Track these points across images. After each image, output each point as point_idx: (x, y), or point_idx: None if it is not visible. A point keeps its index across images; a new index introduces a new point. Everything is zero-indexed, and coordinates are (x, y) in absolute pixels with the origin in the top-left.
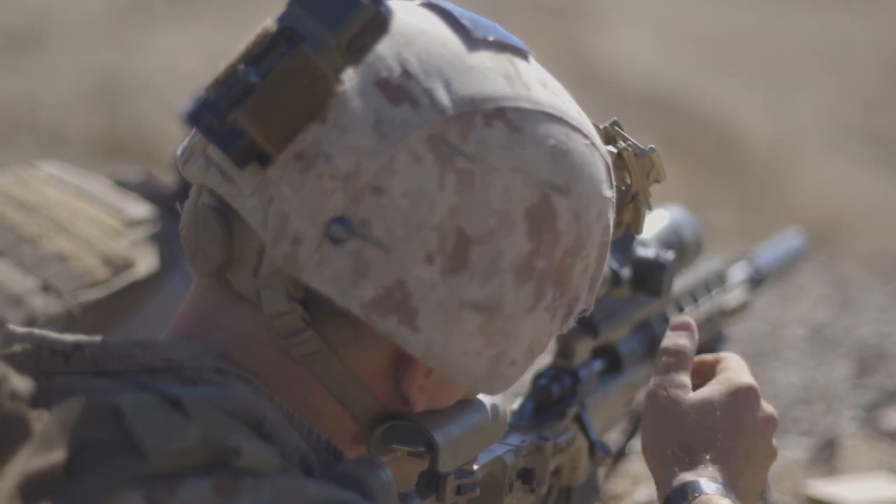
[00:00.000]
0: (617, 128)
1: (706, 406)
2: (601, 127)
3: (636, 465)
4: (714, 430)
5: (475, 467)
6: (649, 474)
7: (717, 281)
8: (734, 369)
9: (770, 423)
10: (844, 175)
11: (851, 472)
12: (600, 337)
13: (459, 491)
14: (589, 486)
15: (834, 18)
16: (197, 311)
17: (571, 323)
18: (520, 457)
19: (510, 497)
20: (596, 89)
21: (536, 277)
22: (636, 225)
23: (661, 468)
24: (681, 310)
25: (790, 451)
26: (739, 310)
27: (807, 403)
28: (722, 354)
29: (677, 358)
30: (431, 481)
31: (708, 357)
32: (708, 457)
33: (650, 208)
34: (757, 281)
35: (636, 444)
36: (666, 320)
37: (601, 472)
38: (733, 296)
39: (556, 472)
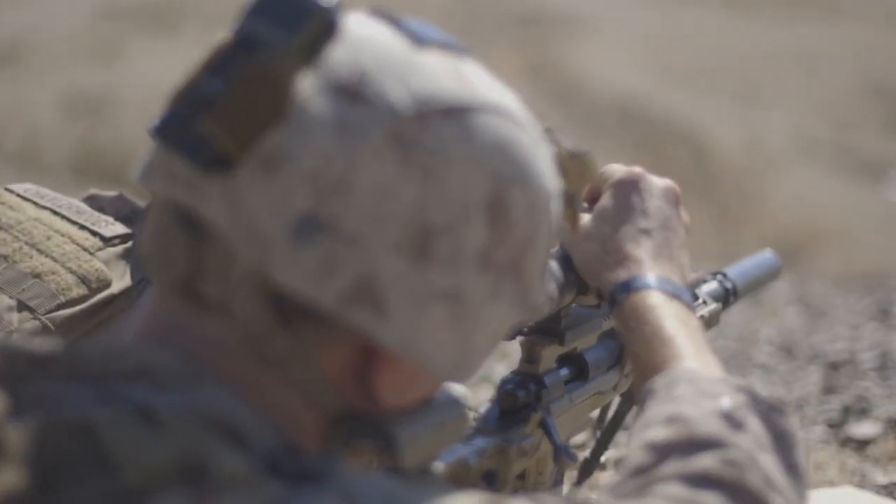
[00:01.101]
0: (551, 133)
1: (603, 214)
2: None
3: (606, 477)
4: (620, 227)
5: (439, 466)
6: None
7: None
8: (613, 174)
9: (670, 191)
10: (817, 189)
11: (820, 485)
12: (567, 344)
13: None
14: (554, 491)
15: (808, 32)
16: (163, 319)
17: (526, 313)
18: (483, 459)
19: None
20: (569, 103)
21: (496, 267)
22: (572, 226)
23: (601, 277)
24: None
25: None
26: (709, 325)
27: None
28: (603, 171)
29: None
30: None
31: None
32: (628, 251)
33: (584, 210)
34: (728, 297)
35: (608, 454)
36: None
37: (572, 483)
38: (704, 312)
39: (522, 476)
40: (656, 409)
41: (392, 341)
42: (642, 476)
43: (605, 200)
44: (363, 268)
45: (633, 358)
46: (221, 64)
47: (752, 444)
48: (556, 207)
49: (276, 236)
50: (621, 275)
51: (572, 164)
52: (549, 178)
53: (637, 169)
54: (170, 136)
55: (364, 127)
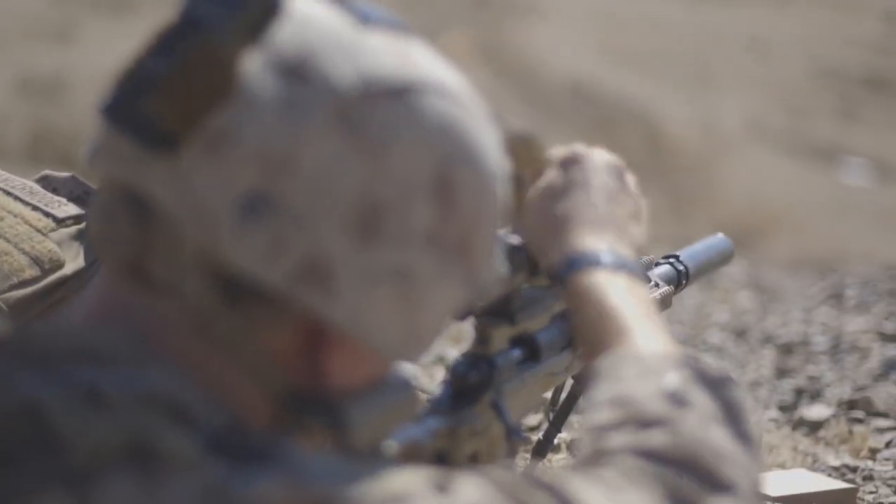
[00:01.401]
0: (497, 115)
1: (547, 191)
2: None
3: (559, 458)
4: (565, 203)
5: (392, 445)
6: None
7: None
8: (556, 154)
9: (613, 166)
10: (769, 173)
11: (773, 467)
12: (518, 325)
13: None
14: (506, 465)
15: (759, 17)
16: (111, 300)
17: (475, 292)
18: (435, 439)
19: None
20: (521, 84)
21: (443, 246)
22: (520, 207)
23: (546, 251)
24: None
25: None
26: (662, 308)
27: None
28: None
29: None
30: None
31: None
32: (574, 226)
33: (528, 192)
34: (680, 280)
35: (561, 436)
36: None
37: (526, 463)
38: (656, 294)
39: (474, 457)
40: (602, 392)
41: (341, 320)
42: (593, 456)
43: (549, 178)
44: (311, 247)
45: (581, 337)
46: (167, 44)
47: (699, 420)
48: (502, 188)
49: (224, 216)
50: (566, 251)
51: (520, 147)
52: (496, 158)
53: (579, 146)
54: (116, 116)
55: (310, 106)
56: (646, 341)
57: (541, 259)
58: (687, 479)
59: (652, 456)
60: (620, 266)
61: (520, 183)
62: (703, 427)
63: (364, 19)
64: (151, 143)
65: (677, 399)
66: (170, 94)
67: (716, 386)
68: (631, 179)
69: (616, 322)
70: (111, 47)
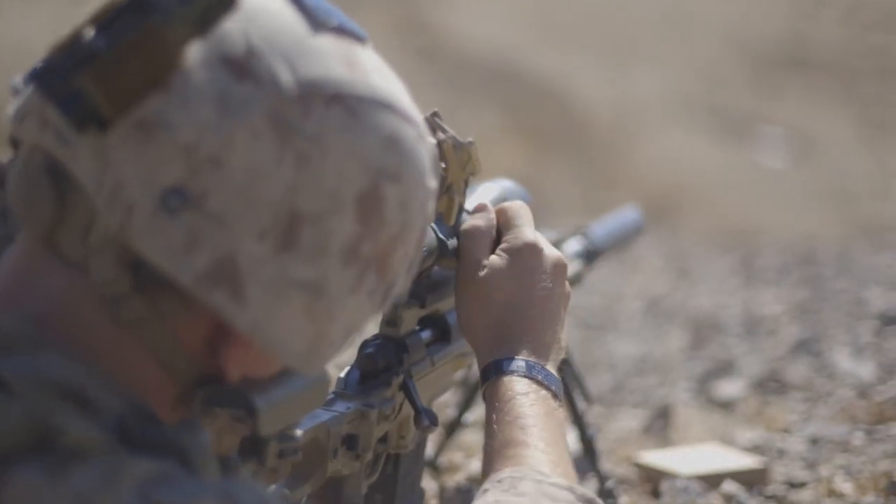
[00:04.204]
0: (437, 119)
1: (497, 277)
2: (422, 118)
3: (470, 437)
4: (510, 300)
5: (298, 432)
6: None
7: None
8: (516, 226)
9: (559, 267)
10: (686, 148)
11: (684, 442)
12: (428, 306)
13: (281, 455)
14: (417, 453)
15: None
16: (20, 274)
17: (387, 307)
18: (344, 423)
19: (335, 463)
20: (438, 62)
21: (361, 261)
22: (448, 215)
23: (478, 345)
24: None
25: (624, 422)
26: (572, 282)
27: (642, 374)
28: (503, 206)
29: (474, 239)
30: (252, 445)
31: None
32: (509, 328)
33: (463, 201)
34: (591, 255)
35: (470, 416)
36: None
37: (436, 445)
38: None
39: (384, 439)
40: (499, 499)
41: (245, 325)
42: None
43: (501, 264)
44: (225, 249)
45: (488, 437)
46: (110, 20)
47: None
48: (432, 204)
49: (141, 205)
50: (495, 353)
51: (455, 154)
52: (429, 175)
53: (537, 241)
54: (46, 85)
55: (245, 104)
56: (549, 465)
57: (469, 341)
58: None
59: None
60: (543, 382)
61: (452, 189)
62: None
63: (315, 21)
64: (78, 119)
65: None
66: (105, 73)
67: None
68: (563, 272)
69: (525, 436)
70: (26, 27)
